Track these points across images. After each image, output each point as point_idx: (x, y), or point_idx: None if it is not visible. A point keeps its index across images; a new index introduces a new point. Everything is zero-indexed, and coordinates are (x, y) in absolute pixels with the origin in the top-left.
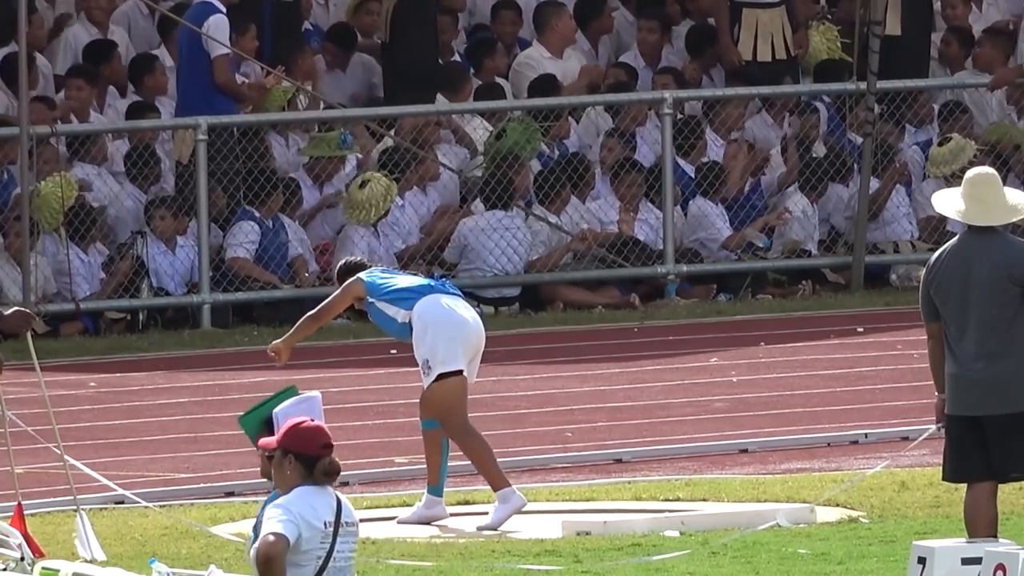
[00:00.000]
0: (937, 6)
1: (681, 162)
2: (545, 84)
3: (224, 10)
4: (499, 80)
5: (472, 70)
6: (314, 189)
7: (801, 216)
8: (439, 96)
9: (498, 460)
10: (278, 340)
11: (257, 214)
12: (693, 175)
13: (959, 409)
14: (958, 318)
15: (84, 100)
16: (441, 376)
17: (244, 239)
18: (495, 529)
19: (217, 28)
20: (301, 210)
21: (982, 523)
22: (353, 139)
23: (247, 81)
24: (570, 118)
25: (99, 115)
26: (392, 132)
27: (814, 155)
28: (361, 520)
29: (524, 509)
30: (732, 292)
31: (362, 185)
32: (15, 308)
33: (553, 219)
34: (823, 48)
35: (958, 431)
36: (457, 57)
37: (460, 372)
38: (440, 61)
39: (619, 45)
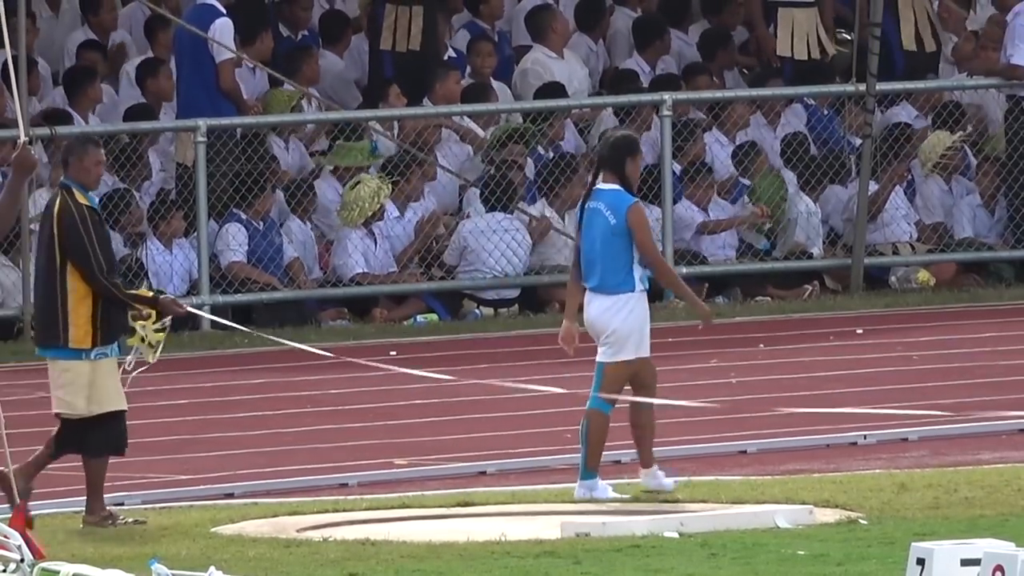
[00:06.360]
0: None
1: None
2: (551, 92)
3: (224, 12)
4: (492, 81)
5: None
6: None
7: (804, 216)
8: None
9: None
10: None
11: (244, 216)
12: (680, 175)
13: None
14: None
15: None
16: None
17: (232, 242)
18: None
19: (223, 33)
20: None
21: None
22: (378, 146)
23: (254, 102)
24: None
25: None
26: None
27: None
28: (361, 522)
29: (527, 511)
30: (728, 295)
31: (354, 186)
32: (169, 296)
33: (554, 220)
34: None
35: None
36: (453, 53)
37: None
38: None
39: (621, 45)
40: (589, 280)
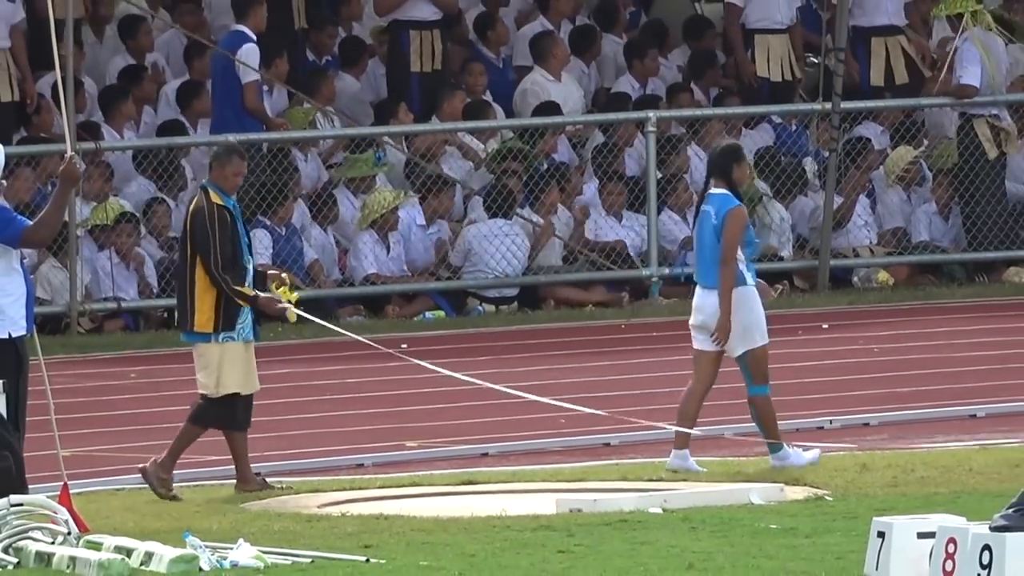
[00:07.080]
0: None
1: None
2: (547, 110)
3: (255, 38)
4: (485, 98)
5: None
6: (357, 209)
7: (777, 223)
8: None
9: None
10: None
11: (268, 222)
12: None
13: None
14: None
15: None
16: None
17: (259, 246)
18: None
19: (249, 56)
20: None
21: None
22: (385, 156)
23: (281, 120)
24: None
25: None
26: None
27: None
28: (375, 499)
29: (526, 489)
30: None
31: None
32: (269, 296)
33: (539, 222)
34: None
35: None
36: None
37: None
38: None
39: (611, 68)
40: (702, 278)
